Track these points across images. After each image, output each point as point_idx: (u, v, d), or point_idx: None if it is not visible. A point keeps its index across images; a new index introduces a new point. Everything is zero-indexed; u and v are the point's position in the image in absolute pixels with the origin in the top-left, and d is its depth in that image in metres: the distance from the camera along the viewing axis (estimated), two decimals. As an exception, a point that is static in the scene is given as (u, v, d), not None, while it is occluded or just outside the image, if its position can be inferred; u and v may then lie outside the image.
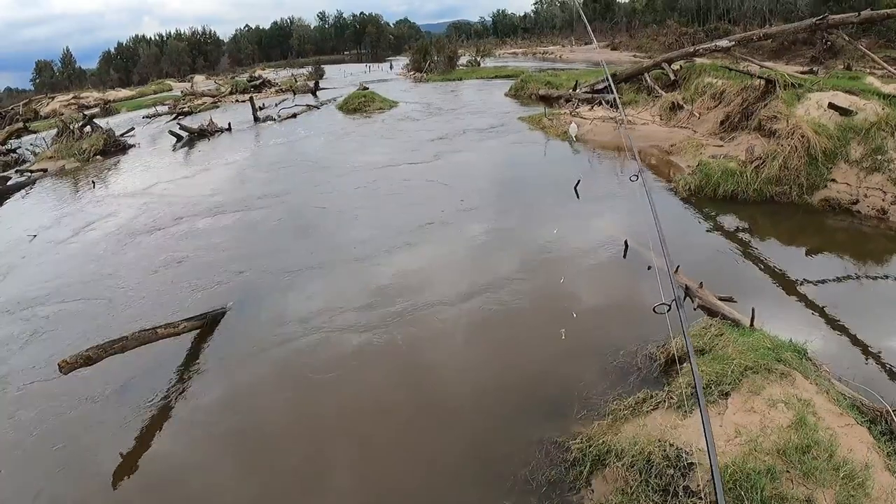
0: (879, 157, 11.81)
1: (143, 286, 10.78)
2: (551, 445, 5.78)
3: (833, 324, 7.89)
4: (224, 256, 11.76)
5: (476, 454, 5.93)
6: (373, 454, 6.16)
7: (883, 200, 11.33)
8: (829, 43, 30.55)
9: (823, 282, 9.11)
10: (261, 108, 32.61)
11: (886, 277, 9.25)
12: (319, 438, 6.56)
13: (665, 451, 5.01)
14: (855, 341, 7.45)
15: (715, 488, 2.46)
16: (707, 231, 11.42)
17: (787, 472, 4.56)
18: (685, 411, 5.49)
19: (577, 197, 13.48)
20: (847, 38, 21.61)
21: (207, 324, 9.08)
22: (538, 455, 5.67)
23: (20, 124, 36.99)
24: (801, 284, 9.03)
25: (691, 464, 4.83)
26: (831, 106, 12.94)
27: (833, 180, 12.06)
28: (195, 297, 10.02)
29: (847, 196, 11.72)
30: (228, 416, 7.04)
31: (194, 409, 7.24)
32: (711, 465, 2.68)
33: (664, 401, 5.79)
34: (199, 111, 36.83)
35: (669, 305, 3.75)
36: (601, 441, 5.48)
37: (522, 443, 5.89)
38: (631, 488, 4.90)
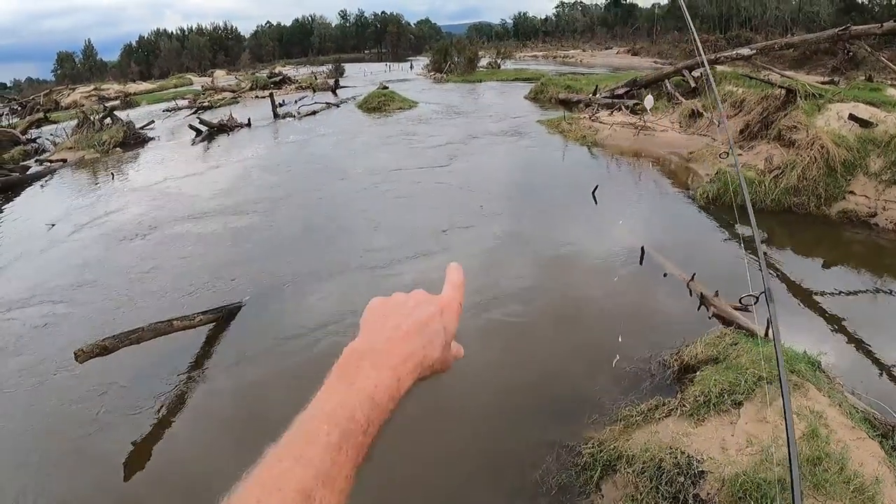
0: (899, 169, 11.75)
1: (132, 290, 10.75)
2: (562, 449, 5.80)
3: (847, 337, 7.86)
4: (224, 259, 11.69)
5: (486, 456, 5.96)
6: (381, 454, 6.18)
7: (902, 214, 11.29)
8: (850, 53, 30.37)
9: (839, 294, 9.08)
10: (280, 105, 32.75)
11: (903, 291, 9.21)
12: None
13: (676, 458, 5.02)
14: (869, 355, 7.43)
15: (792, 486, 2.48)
16: (724, 240, 11.39)
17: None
18: (697, 419, 5.51)
19: (595, 202, 13.48)
20: (869, 49, 21.55)
21: (223, 318, 9.15)
22: (549, 458, 5.69)
23: (41, 114, 37.32)
24: (816, 296, 9.00)
25: (702, 472, 4.85)
26: (852, 117, 12.90)
27: (851, 192, 12.01)
28: (189, 300, 10.01)
29: (865, 209, 11.67)
30: (241, 407, 7.11)
31: (209, 398, 7.32)
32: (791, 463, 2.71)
33: (676, 408, 5.79)
34: (218, 106, 37.01)
35: (757, 297, 3.63)
36: (612, 446, 5.49)
37: (533, 445, 5.91)
38: (641, 495, 4.91)
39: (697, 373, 6.41)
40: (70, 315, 9.82)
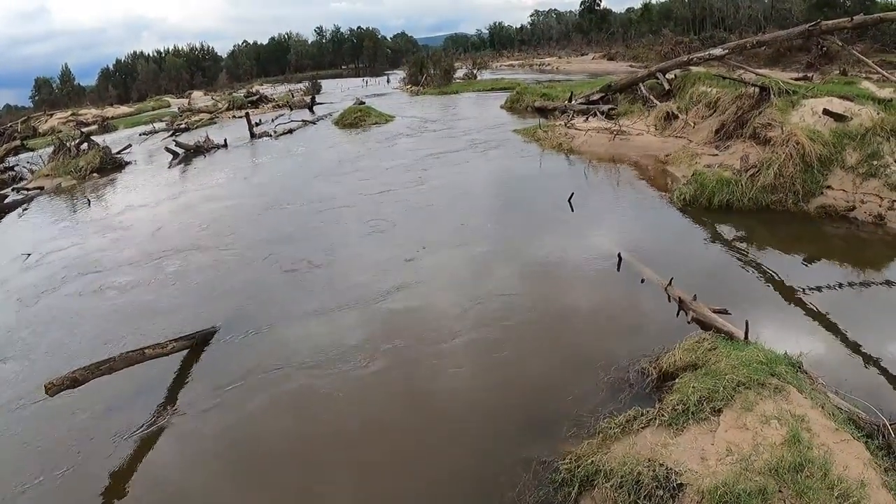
0: (875, 162, 11.72)
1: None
2: (539, 465, 5.66)
3: (830, 333, 7.77)
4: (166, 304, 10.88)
5: (463, 476, 5.82)
6: (355, 478, 6.05)
7: (880, 206, 11.23)
8: (824, 49, 30.54)
9: (821, 290, 8.97)
10: (258, 124, 32.53)
11: (885, 284, 9.14)
12: (313, 454, 6.50)
13: (654, 471, 4.88)
14: (854, 350, 7.33)
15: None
16: (702, 242, 11.30)
17: (780, 491, 4.43)
18: (676, 429, 5.37)
19: (572, 210, 13.37)
20: (841, 44, 21.59)
21: (196, 344, 8.96)
22: (526, 476, 5.54)
23: (17, 142, 37.02)
24: (798, 293, 8.90)
25: (681, 485, 4.70)
26: (826, 112, 12.87)
27: (829, 187, 11.96)
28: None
29: (843, 203, 11.62)
30: (224, 433, 6.95)
31: (187, 427, 7.13)
32: None
33: (655, 418, 5.65)
34: (196, 127, 36.76)
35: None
36: (590, 461, 5.34)
37: (510, 463, 5.77)
38: (620, 510, 4.78)
39: (676, 380, 6.27)
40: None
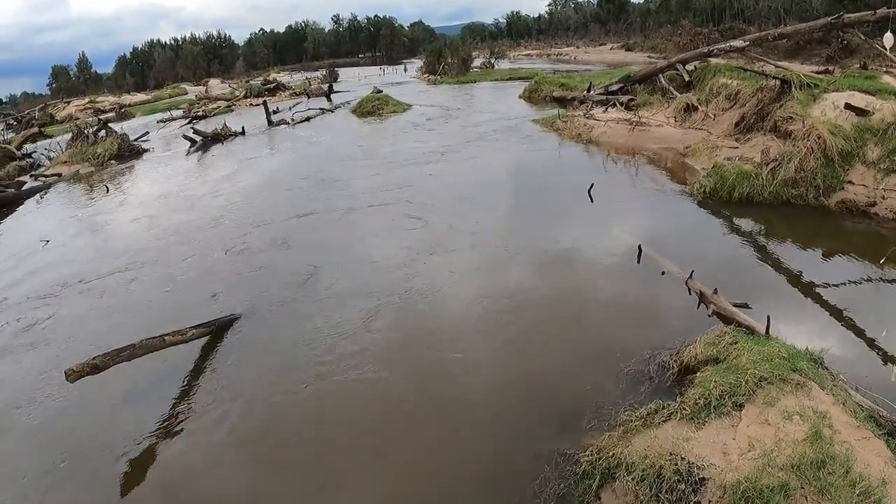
0: (897, 157, 11.61)
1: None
2: (561, 457, 5.67)
3: (850, 329, 7.72)
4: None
5: (483, 467, 5.84)
6: (375, 469, 6.09)
7: (901, 202, 11.14)
8: (844, 42, 30.20)
9: (840, 286, 8.91)
10: (275, 112, 32.63)
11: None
12: (333, 443, 6.54)
13: (676, 465, 4.89)
14: (873, 347, 7.28)
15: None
16: (722, 235, 11.25)
17: (802, 488, 4.43)
18: (698, 423, 5.37)
19: (591, 201, 13.35)
20: (863, 37, 21.33)
21: (216, 331, 9.03)
22: (547, 468, 5.56)
23: (35, 129, 37.24)
24: (817, 289, 8.85)
25: (703, 479, 4.72)
26: (847, 106, 12.74)
27: (850, 182, 11.86)
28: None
29: (864, 198, 11.51)
30: (241, 419, 7.01)
31: (207, 415, 7.20)
32: None
33: (676, 412, 5.64)
34: (213, 115, 36.89)
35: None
36: (611, 453, 5.35)
37: (531, 455, 5.79)
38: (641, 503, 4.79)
39: (697, 374, 6.27)
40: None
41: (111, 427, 7.13)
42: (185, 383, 7.90)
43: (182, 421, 7.12)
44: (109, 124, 29.39)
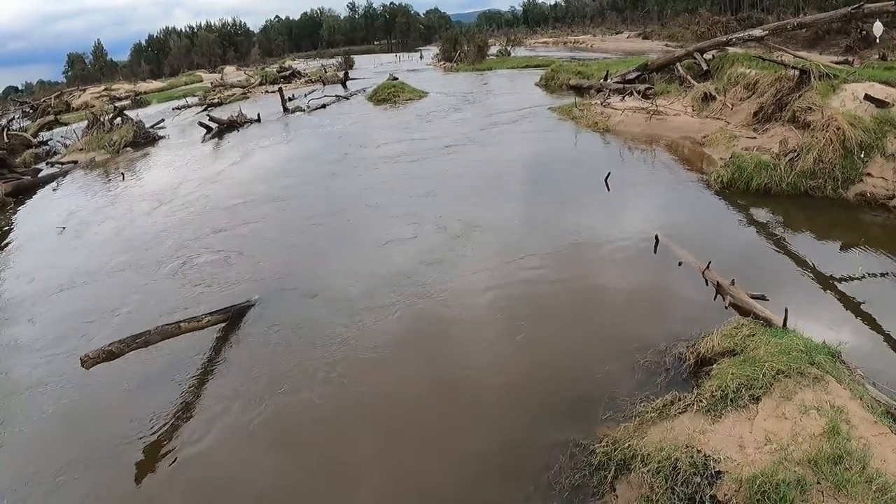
0: (917, 150, 11.47)
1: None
2: (576, 448, 5.68)
3: (867, 323, 7.64)
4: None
5: (498, 456, 5.85)
6: (392, 455, 6.11)
7: (921, 196, 11.02)
8: (863, 32, 29.82)
9: (858, 279, 8.82)
10: (290, 99, 32.70)
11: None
12: (347, 431, 6.56)
13: (692, 457, 4.88)
14: (890, 342, 7.22)
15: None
16: (739, 225, 11.17)
17: (818, 483, 4.40)
18: (714, 415, 5.35)
19: (608, 189, 13.29)
20: (884, 28, 21.07)
21: (232, 318, 9.07)
22: (562, 458, 5.57)
23: (51, 117, 37.47)
24: (835, 281, 8.77)
25: (719, 472, 4.70)
26: (867, 97, 12.59)
27: (869, 174, 11.72)
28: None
29: (883, 191, 11.38)
30: (255, 406, 7.05)
31: (221, 399, 7.26)
32: None
33: (693, 404, 5.62)
34: (229, 102, 37.00)
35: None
36: (627, 445, 5.35)
37: (547, 444, 5.80)
38: (656, 496, 4.78)
39: (714, 366, 6.24)
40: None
41: (128, 412, 7.20)
42: (201, 369, 7.97)
43: (196, 408, 7.18)
44: (125, 112, 29.52)
